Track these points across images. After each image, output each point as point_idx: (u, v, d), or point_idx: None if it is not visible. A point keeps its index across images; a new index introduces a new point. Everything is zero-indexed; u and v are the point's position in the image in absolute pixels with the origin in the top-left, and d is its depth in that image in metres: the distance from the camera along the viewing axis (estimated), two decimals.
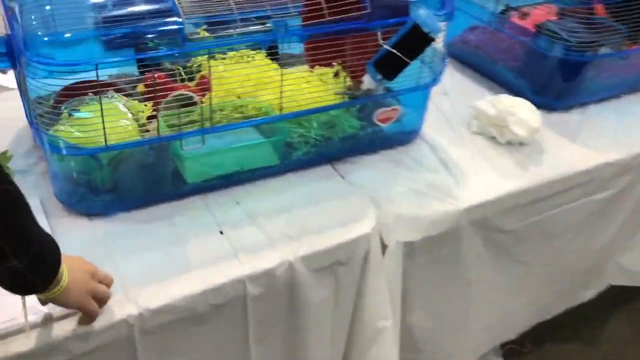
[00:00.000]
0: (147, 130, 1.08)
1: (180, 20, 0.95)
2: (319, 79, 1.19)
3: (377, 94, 1.11)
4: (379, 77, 1.04)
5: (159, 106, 1.11)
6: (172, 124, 1.04)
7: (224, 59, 1.17)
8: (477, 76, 1.53)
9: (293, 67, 1.28)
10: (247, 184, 1.10)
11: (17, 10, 0.99)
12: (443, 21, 1.10)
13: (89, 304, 0.81)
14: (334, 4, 1.01)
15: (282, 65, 1.17)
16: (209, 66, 1.03)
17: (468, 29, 1.57)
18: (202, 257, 0.94)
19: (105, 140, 0.92)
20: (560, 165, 1.24)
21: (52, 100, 1.07)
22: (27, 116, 1.07)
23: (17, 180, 1.10)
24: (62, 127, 0.98)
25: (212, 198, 1.06)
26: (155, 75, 1.17)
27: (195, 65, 1.14)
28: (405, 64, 1.02)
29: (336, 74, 1.17)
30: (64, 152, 0.92)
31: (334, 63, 1.16)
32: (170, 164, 1.04)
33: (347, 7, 1.02)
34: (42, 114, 0.92)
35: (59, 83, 0.93)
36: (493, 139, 1.29)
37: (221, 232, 0.99)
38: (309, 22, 1.06)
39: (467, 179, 1.17)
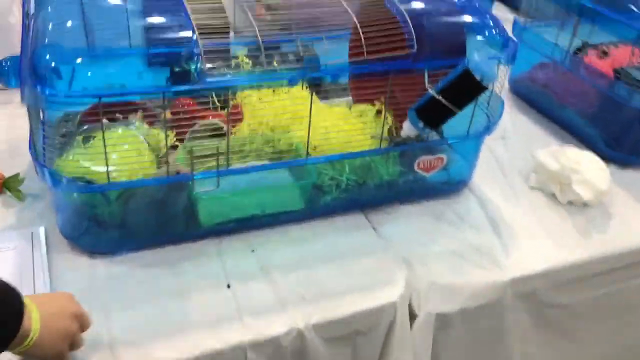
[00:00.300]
0: (167, 162, 1.00)
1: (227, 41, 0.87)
2: (359, 115, 1.08)
3: (419, 142, 0.98)
4: (421, 125, 0.92)
5: (184, 136, 1.03)
6: (196, 155, 0.95)
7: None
8: (543, 119, 1.38)
9: (333, 99, 1.18)
10: (266, 229, 1.00)
11: (38, 22, 0.93)
12: (504, 65, 0.96)
13: (66, 356, 0.73)
14: (378, 38, 0.90)
15: (321, 98, 1.06)
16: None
17: (537, 66, 1.42)
18: (202, 315, 0.84)
19: (108, 177, 0.84)
20: (630, 234, 1.08)
21: (62, 126, 1.01)
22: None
23: (26, 205, 1.07)
24: (71, 156, 0.91)
25: (226, 243, 0.97)
26: (185, 102, 1.10)
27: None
28: (452, 114, 0.90)
29: (378, 113, 1.06)
30: (64, 187, 0.84)
31: (376, 102, 1.05)
32: (184, 200, 0.95)
33: (391, 44, 0.90)
34: (47, 142, 0.85)
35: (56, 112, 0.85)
36: (553, 196, 1.13)
37: (228, 286, 0.89)
38: (352, 56, 0.96)
39: (517, 244, 1.03)
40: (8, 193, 1.02)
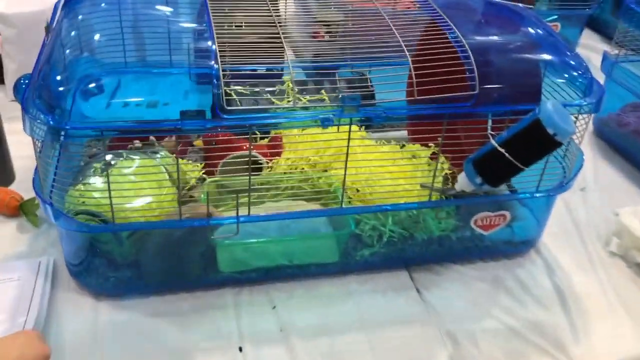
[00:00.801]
0: (191, 198, 0.90)
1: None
2: (411, 157, 0.95)
3: (477, 196, 0.83)
4: (479, 180, 0.77)
5: (215, 168, 0.93)
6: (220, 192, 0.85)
7: None
8: (631, 171, 1.19)
9: (387, 132, 1.05)
10: (292, 282, 0.88)
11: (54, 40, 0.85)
12: (586, 113, 0.80)
13: None
14: (435, 75, 0.76)
15: (373, 131, 0.94)
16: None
17: (628, 107, 1.23)
18: None
19: (113, 215, 0.75)
20: None
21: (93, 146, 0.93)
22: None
23: (40, 233, 0.98)
24: (82, 186, 0.83)
25: (245, 294, 0.85)
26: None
27: None
28: (517, 171, 0.75)
29: (433, 156, 0.92)
30: (65, 224, 0.76)
31: (431, 143, 0.91)
32: (202, 244, 0.85)
33: (449, 83, 0.76)
34: (48, 173, 0.77)
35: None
36: (638, 267, 0.96)
37: (240, 349, 0.78)
38: (409, 90, 0.83)
39: (590, 325, 0.86)
40: (25, 217, 0.95)
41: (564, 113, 0.71)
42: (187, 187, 0.91)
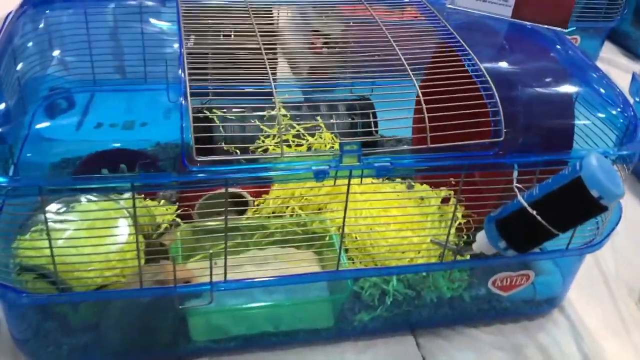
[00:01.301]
0: (162, 246, 0.77)
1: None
2: (419, 201, 0.82)
3: (497, 257, 0.70)
4: (503, 244, 0.64)
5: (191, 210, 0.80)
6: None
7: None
8: None
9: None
10: (278, 351, 0.75)
11: None
12: (631, 163, 0.68)
13: None
14: (448, 114, 0.63)
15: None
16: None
17: None
18: None
19: (56, 281, 0.62)
20: None
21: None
22: None
23: None
24: (28, 236, 0.69)
25: None
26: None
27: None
28: (551, 236, 0.62)
29: (445, 201, 0.79)
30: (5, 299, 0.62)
31: (442, 188, 0.79)
32: (172, 309, 0.71)
33: (470, 127, 0.63)
34: None
35: None
36: None
37: None
38: (417, 127, 0.71)
39: None
40: None
41: (611, 171, 0.58)
42: (154, 234, 0.78)
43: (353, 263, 0.79)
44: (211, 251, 0.62)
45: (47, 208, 0.75)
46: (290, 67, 1.22)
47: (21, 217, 0.67)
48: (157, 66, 0.95)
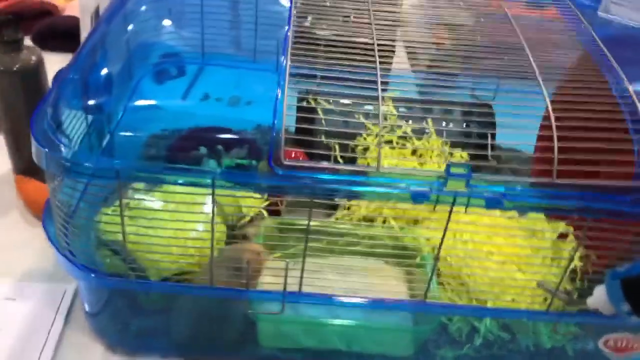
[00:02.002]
0: (244, 238, 0.73)
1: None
2: (530, 234, 0.72)
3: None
4: (626, 308, 0.54)
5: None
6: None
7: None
8: None
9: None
10: None
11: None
12: None
13: None
14: (581, 147, 0.54)
15: None
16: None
17: None
18: None
19: (131, 265, 0.59)
20: None
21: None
22: None
23: None
24: (110, 212, 0.68)
25: None
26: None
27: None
28: None
29: (562, 236, 0.69)
30: (69, 268, 0.60)
31: (561, 221, 0.69)
32: (242, 310, 0.67)
33: (608, 164, 0.53)
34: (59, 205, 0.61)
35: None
36: None
37: None
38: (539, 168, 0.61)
39: None
40: None
41: None
42: (238, 224, 0.74)
43: (444, 289, 0.71)
44: (287, 260, 0.57)
45: (133, 185, 0.73)
46: (409, 59, 1.14)
47: (104, 193, 0.65)
48: (270, 46, 0.91)
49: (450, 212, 0.53)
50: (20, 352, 0.66)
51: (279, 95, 0.55)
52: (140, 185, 0.74)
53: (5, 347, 0.66)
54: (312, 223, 0.70)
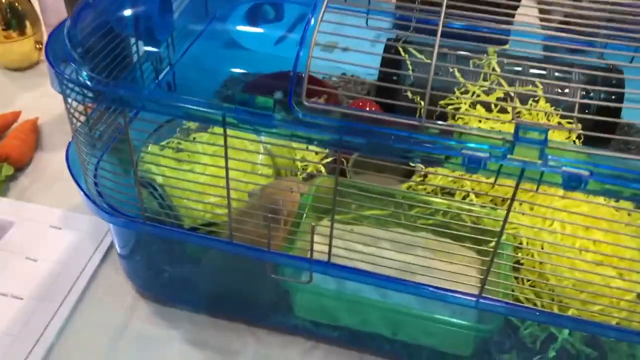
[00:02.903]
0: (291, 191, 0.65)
1: None
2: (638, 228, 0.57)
3: None
4: None
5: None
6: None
7: None
8: None
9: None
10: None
11: None
12: None
13: None
14: None
15: None
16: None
17: None
18: None
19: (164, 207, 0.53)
20: None
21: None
22: None
23: None
24: (150, 151, 0.63)
25: (319, 355, 0.60)
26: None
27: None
28: None
29: None
30: (96, 211, 0.55)
31: None
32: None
33: None
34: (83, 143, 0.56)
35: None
36: None
37: None
38: None
39: None
40: None
41: None
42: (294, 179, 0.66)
43: (520, 284, 0.58)
44: (313, 224, 0.48)
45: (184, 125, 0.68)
46: (540, 14, 0.99)
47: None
48: None
49: (516, 188, 0.41)
50: (54, 280, 0.64)
51: (312, 22, 0.45)
52: (193, 125, 0.68)
53: (41, 273, 0.65)
54: (377, 189, 0.60)
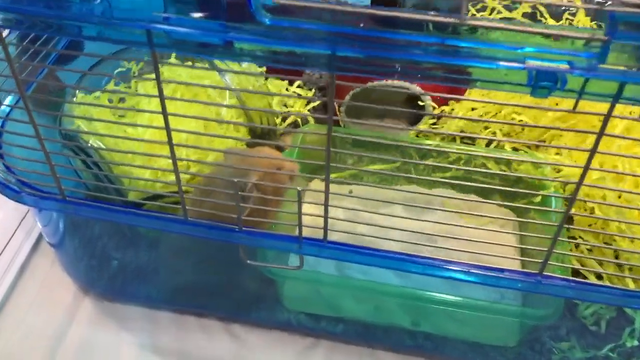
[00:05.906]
0: (279, 148, 0.50)
1: None
2: None
3: None
4: None
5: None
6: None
7: None
8: None
9: None
10: (412, 356, 0.46)
11: None
12: None
13: None
14: None
15: None
16: None
17: None
18: None
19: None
20: None
21: None
22: None
23: None
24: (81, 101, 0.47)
25: (321, 354, 0.46)
26: None
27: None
28: None
29: None
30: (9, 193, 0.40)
31: None
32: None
33: None
34: None
35: None
36: None
37: None
38: None
39: None
40: None
41: None
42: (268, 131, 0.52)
43: (577, 248, 0.45)
44: (299, 188, 0.33)
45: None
46: None
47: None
48: None
49: (609, 115, 0.26)
50: None
51: None
52: (135, 66, 0.53)
53: None
54: (381, 137, 0.46)
